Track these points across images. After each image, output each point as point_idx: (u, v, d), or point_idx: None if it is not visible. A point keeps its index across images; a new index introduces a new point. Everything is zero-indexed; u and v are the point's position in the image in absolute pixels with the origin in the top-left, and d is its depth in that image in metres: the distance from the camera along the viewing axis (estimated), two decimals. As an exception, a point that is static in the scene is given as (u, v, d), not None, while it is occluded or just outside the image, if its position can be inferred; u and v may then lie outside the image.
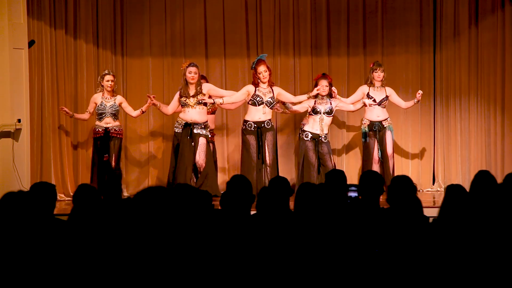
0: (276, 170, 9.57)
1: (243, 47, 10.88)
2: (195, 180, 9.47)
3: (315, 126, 9.63)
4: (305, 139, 9.63)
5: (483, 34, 10.64)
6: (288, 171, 10.70)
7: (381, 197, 5.27)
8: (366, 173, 5.39)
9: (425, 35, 10.86)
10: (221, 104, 9.48)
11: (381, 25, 10.89)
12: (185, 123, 9.44)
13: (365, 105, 9.74)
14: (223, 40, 10.88)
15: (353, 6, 10.87)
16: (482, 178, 5.33)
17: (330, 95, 9.69)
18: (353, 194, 4.97)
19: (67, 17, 10.39)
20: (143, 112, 9.81)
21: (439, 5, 10.81)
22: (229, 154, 10.92)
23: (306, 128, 9.66)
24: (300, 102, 9.70)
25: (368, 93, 9.88)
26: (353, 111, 10.06)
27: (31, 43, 9.70)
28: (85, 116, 9.93)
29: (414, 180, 5.47)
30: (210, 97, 9.48)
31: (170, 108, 9.63)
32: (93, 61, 10.55)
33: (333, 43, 10.92)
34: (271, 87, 9.46)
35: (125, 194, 10.25)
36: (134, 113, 9.86)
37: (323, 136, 9.62)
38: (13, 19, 9.32)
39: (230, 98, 9.48)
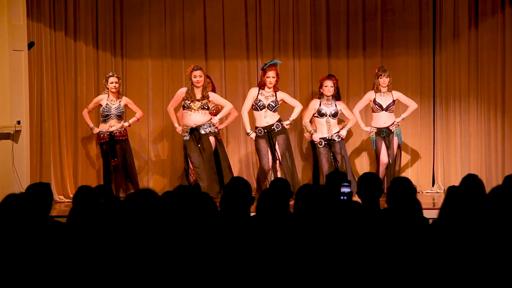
0: (293, 174, 9.50)
1: (242, 49, 10.88)
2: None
3: (323, 129, 9.61)
4: (320, 146, 9.62)
5: (483, 36, 10.63)
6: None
7: (380, 198, 5.27)
8: (363, 175, 5.39)
9: (424, 37, 10.86)
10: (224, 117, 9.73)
11: (380, 27, 10.89)
12: (190, 129, 9.45)
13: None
14: (223, 41, 10.88)
15: (352, 8, 10.87)
16: (470, 182, 5.32)
17: (336, 97, 9.67)
18: (346, 190, 4.96)
19: (66, 19, 10.39)
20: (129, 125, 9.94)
21: (438, 7, 10.80)
22: (229, 158, 10.92)
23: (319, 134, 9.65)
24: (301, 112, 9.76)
25: (374, 99, 9.83)
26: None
27: (30, 45, 9.71)
28: (86, 116, 9.90)
29: (414, 181, 5.50)
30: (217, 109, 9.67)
31: (172, 105, 9.68)
32: (92, 63, 10.55)
33: (333, 45, 10.92)
34: (275, 92, 9.46)
35: (121, 195, 10.25)
36: (137, 114, 9.92)
37: (335, 136, 9.61)
38: (12, 21, 9.32)
39: (244, 111, 9.49)
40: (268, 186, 9.24)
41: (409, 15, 10.84)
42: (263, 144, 9.39)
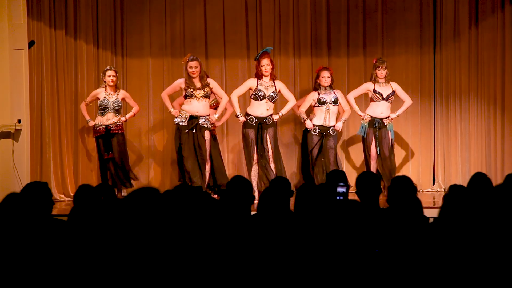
0: (280, 165, 9.53)
1: (243, 48, 10.89)
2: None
3: (321, 116, 9.65)
4: (313, 133, 9.64)
5: (483, 35, 10.63)
6: (288, 168, 10.69)
7: (381, 196, 5.27)
8: (362, 174, 5.39)
9: (425, 36, 10.87)
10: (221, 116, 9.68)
11: (381, 26, 10.90)
12: (190, 116, 9.40)
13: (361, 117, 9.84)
14: (223, 40, 10.88)
15: (353, 6, 10.88)
16: (479, 180, 5.33)
17: (331, 87, 9.72)
18: (341, 190, 4.97)
19: (67, 17, 10.39)
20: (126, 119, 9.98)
21: (439, 6, 10.81)
22: (228, 153, 10.92)
23: (314, 121, 9.66)
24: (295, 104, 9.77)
25: (374, 89, 9.85)
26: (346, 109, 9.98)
27: (31, 44, 9.70)
28: (84, 109, 9.93)
29: (414, 180, 5.48)
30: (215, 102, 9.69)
31: (167, 92, 9.61)
32: (93, 62, 10.56)
33: (333, 43, 10.93)
34: (273, 81, 9.46)
35: (124, 194, 10.25)
36: (134, 109, 9.94)
37: (330, 130, 9.63)
38: (13, 19, 9.31)
39: (233, 95, 9.46)
40: (259, 173, 9.32)
41: (410, 13, 10.85)
42: (252, 135, 9.39)
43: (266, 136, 9.39)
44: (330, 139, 9.66)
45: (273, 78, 9.47)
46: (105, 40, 10.68)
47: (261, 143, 9.40)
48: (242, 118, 9.40)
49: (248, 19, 10.89)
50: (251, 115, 9.41)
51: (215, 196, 9.25)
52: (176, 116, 9.43)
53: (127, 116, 9.98)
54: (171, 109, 9.49)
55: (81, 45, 10.48)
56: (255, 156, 9.39)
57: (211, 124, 9.51)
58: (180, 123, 9.40)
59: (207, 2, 10.85)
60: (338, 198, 4.95)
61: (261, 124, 9.40)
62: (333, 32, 10.93)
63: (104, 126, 9.79)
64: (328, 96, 9.68)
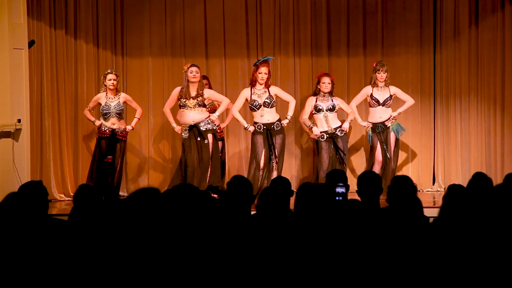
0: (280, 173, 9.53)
1: (243, 47, 10.88)
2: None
3: (323, 124, 9.64)
4: (322, 140, 9.62)
5: (483, 34, 10.64)
6: (289, 171, 10.70)
7: (381, 196, 5.27)
8: (363, 174, 5.39)
9: (425, 35, 10.87)
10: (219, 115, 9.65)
11: (381, 25, 10.90)
12: (189, 126, 9.43)
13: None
14: (223, 40, 10.88)
15: (353, 6, 10.88)
16: (479, 179, 5.34)
17: (331, 93, 9.71)
18: (340, 190, 4.98)
19: (67, 17, 10.39)
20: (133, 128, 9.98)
21: (439, 5, 10.81)
22: (229, 156, 10.92)
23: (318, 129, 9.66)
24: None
25: (371, 94, 9.87)
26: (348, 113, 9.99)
27: (31, 43, 9.70)
28: (87, 113, 9.93)
29: (414, 180, 5.49)
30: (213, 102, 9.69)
31: (169, 105, 9.66)
32: (93, 61, 10.56)
33: (333, 43, 10.92)
34: (267, 88, 9.45)
35: (125, 194, 10.25)
36: (137, 113, 9.93)
37: (338, 131, 9.62)
38: (13, 19, 9.31)
39: (234, 110, 9.46)
40: (260, 180, 9.30)
41: (410, 13, 10.85)
42: (260, 140, 9.37)
43: (275, 144, 9.37)
44: (338, 141, 9.63)
45: (267, 86, 9.44)
46: (105, 40, 10.68)
47: (269, 150, 9.36)
48: (251, 128, 9.40)
49: (248, 19, 10.89)
50: (258, 122, 9.40)
51: (215, 196, 9.24)
52: (180, 132, 9.49)
53: (133, 124, 9.95)
54: (174, 125, 9.56)
55: (81, 45, 10.48)
56: (262, 162, 9.35)
57: (215, 126, 9.50)
58: (184, 136, 9.45)
59: (207, 2, 10.85)
60: (337, 198, 4.95)
61: (269, 131, 9.38)
62: (333, 32, 10.92)
63: (110, 129, 9.77)
64: (325, 104, 9.66)
